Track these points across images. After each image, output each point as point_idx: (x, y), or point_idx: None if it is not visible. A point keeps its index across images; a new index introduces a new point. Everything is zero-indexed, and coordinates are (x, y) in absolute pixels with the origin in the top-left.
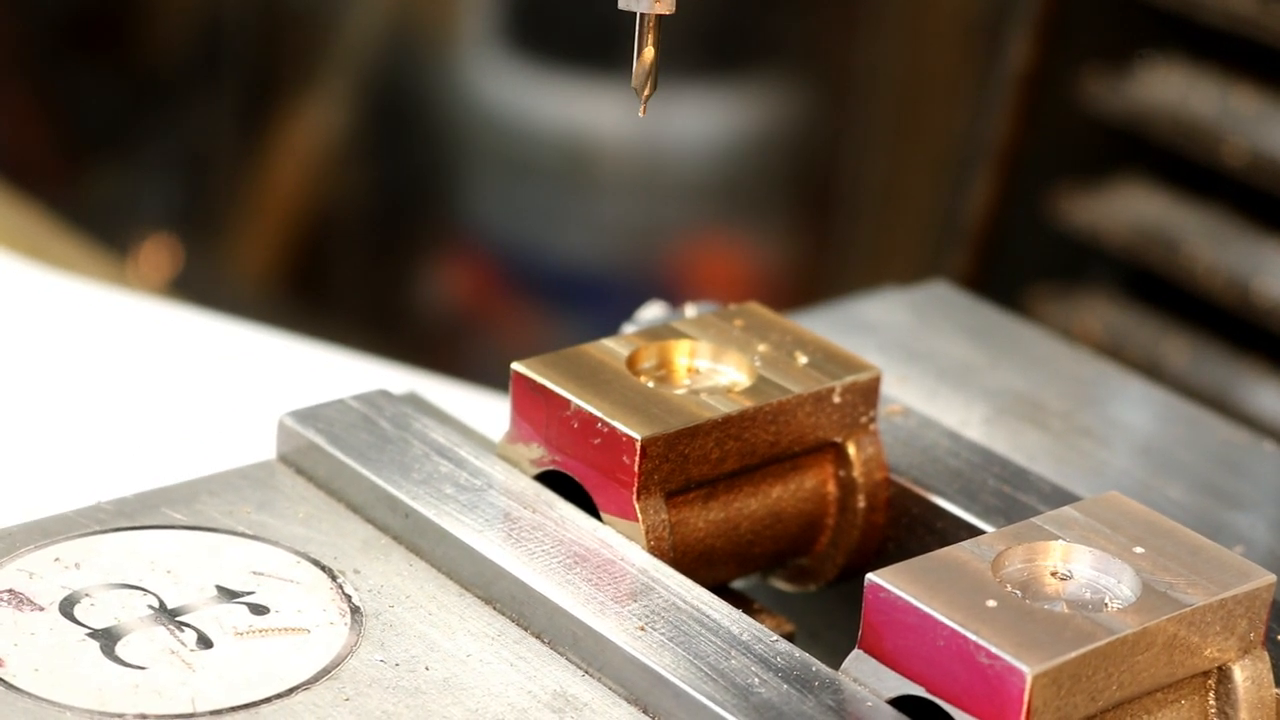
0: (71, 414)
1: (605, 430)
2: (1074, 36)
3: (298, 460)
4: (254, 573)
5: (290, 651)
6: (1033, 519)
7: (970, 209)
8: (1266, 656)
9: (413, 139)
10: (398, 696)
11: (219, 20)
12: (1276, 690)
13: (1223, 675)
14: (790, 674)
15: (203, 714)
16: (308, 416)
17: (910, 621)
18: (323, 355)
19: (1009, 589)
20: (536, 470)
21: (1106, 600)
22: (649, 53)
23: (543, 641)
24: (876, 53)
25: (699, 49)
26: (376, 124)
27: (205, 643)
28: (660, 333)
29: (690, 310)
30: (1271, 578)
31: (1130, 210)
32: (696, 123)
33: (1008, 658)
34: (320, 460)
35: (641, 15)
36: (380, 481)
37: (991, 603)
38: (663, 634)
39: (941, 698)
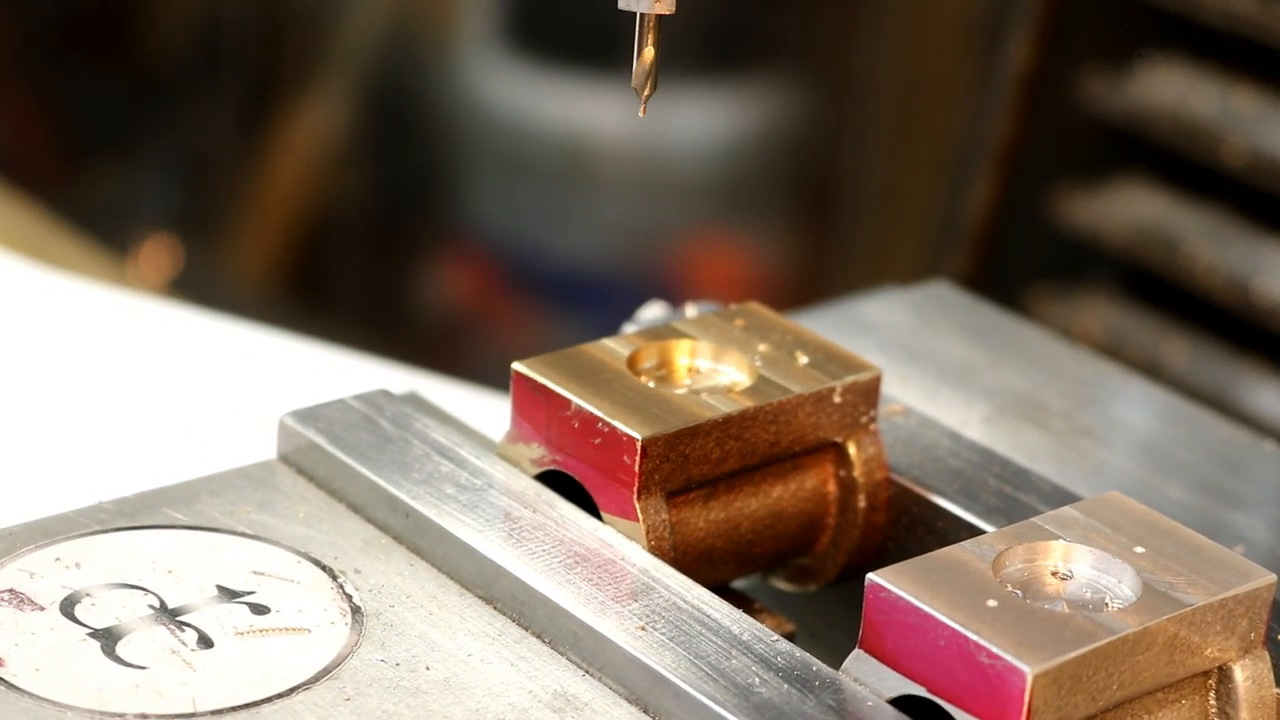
0: (71, 414)
1: (606, 430)
2: (1074, 36)
3: (298, 460)
4: (254, 572)
5: (291, 651)
6: (1033, 519)
7: (970, 209)
8: (1267, 656)
9: (413, 139)
10: (398, 696)
11: (219, 20)
12: (1277, 690)
13: (1223, 675)
14: (791, 674)
15: (203, 714)
16: (308, 416)
17: (911, 621)
18: (323, 355)
19: (1009, 589)
20: (537, 470)
21: (1107, 600)
22: (649, 53)
23: (543, 641)
24: (876, 53)
25: (699, 49)
26: (376, 124)
27: (206, 642)
28: (661, 333)
29: (690, 310)
30: (1272, 577)
31: (1130, 210)
32: (696, 123)
33: (1008, 657)
34: (321, 460)
35: (641, 15)
36: (381, 481)
37: (992, 602)
38: (663, 634)
39: (942, 698)
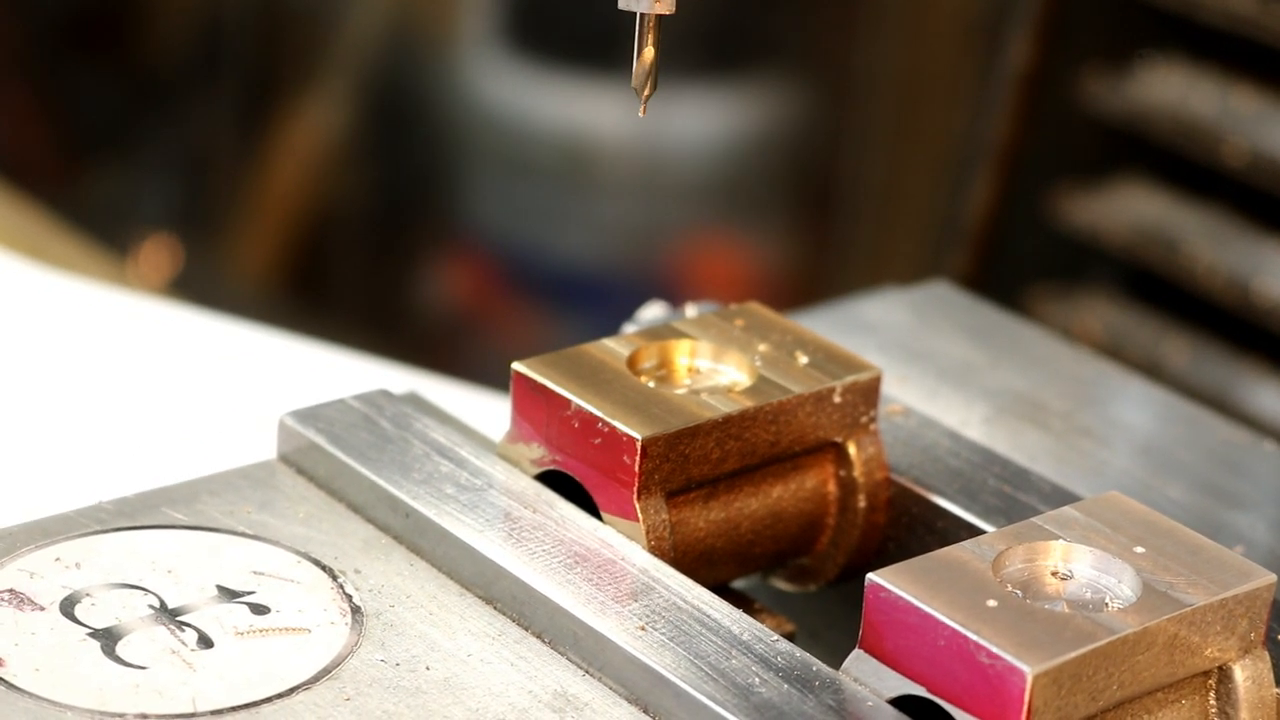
0: (71, 414)
1: (606, 430)
2: (1074, 36)
3: (298, 460)
4: (254, 572)
5: (291, 651)
6: (1033, 519)
7: (970, 209)
8: (1267, 656)
9: (413, 139)
10: (398, 696)
11: (219, 20)
12: (1277, 690)
13: (1223, 675)
14: (791, 674)
15: (203, 714)
16: (308, 416)
17: (911, 621)
18: (323, 355)
19: (1009, 589)
20: (537, 470)
21: (1107, 600)
22: (649, 53)
23: (543, 641)
24: (876, 53)
25: (699, 49)
26: (376, 124)
27: (206, 642)
28: (661, 333)
29: (690, 310)
30: (1272, 577)
31: (1130, 210)
32: (696, 123)
33: (1008, 657)
34: (321, 460)
35: (641, 15)
36: (381, 481)
37: (992, 602)
38: (663, 634)
39: (942, 697)
